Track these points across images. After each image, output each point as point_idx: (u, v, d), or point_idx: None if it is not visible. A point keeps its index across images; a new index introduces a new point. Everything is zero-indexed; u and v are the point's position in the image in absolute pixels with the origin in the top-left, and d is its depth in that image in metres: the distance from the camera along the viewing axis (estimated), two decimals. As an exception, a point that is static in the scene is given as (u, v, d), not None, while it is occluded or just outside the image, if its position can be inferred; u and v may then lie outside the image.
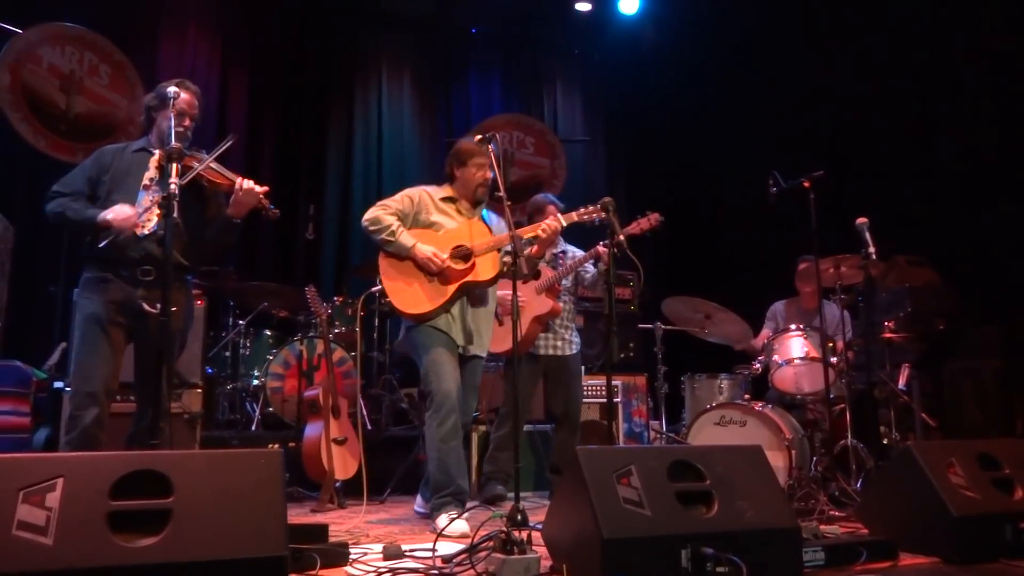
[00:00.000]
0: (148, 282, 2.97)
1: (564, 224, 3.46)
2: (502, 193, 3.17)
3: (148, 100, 3.23)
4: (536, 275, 4.22)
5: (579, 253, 4.40)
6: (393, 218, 3.44)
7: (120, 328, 3.01)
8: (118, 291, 3.00)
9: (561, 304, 4.25)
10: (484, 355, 3.57)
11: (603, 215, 3.36)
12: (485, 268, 3.42)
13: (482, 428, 4.84)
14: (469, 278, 3.40)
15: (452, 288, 3.38)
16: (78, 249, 3.22)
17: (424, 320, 3.38)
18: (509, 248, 3.43)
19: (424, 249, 3.37)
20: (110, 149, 3.22)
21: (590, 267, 4.27)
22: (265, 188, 3.14)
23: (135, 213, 2.96)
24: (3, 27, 5.60)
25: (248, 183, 3.08)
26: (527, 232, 3.46)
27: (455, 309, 3.42)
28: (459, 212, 3.57)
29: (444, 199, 3.57)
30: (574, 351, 4.37)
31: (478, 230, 3.48)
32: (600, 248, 4.08)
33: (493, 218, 3.65)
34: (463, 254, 3.42)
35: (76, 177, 3.12)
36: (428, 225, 3.49)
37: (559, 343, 4.31)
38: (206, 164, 3.04)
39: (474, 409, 3.72)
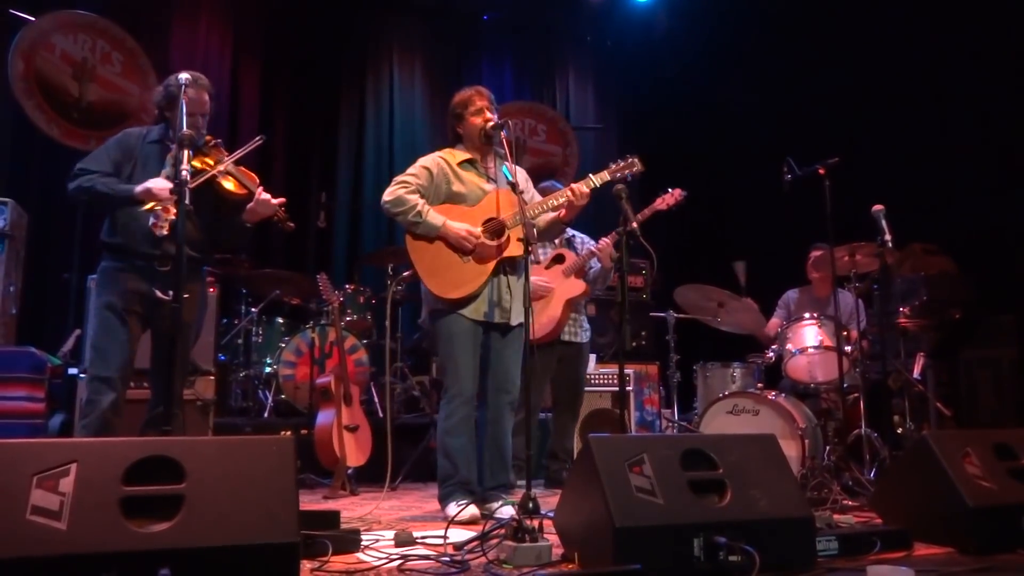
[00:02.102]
0: (164, 272, 2.99)
1: (597, 184, 3.21)
2: (515, 180, 3.13)
3: (157, 99, 3.20)
4: (560, 259, 4.22)
5: (586, 238, 4.44)
6: (416, 196, 3.20)
7: (136, 316, 3.03)
8: (135, 280, 3.02)
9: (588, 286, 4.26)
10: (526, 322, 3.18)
11: (636, 169, 3.22)
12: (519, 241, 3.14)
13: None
14: (507, 253, 3.19)
15: (490, 267, 3.17)
16: (92, 236, 3.23)
17: (461, 304, 3.17)
18: (556, 203, 3.28)
19: (456, 227, 3.14)
20: (133, 133, 3.21)
21: (594, 263, 4.29)
22: (282, 200, 3.13)
23: (169, 187, 2.92)
24: (16, 15, 5.62)
25: (265, 195, 3.08)
26: (556, 196, 3.23)
27: (489, 287, 3.20)
28: (479, 175, 3.33)
29: (462, 163, 3.33)
30: (587, 338, 4.43)
31: (506, 199, 3.21)
32: (599, 246, 4.14)
33: (516, 171, 3.32)
34: (496, 228, 3.19)
35: (101, 156, 3.11)
36: (451, 196, 3.26)
37: (577, 329, 4.35)
38: (225, 165, 3.03)
39: (519, 381, 3.26)
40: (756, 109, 7.20)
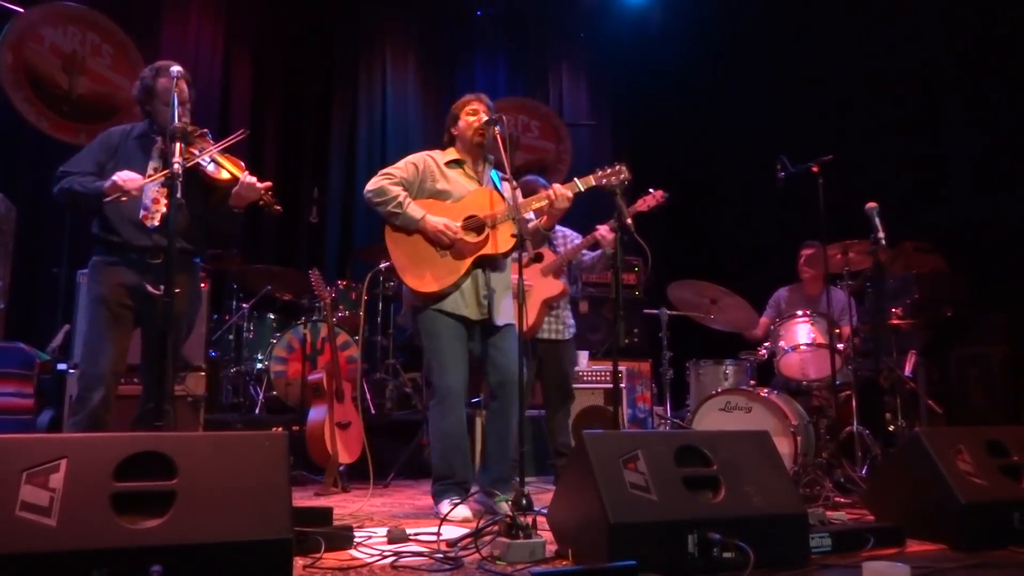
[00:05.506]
0: (156, 265, 2.96)
1: (582, 188, 3.21)
2: (508, 176, 3.13)
3: (136, 94, 3.17)
4: (539, 258, 4.18)
5: (572, 234, 4.38)
6: (399, 188, 3.23)
7: (128, 311, 3.01)
8: (127, 274, 2.99)
9: (566, 285, 4.22)
10: (511, 322, 3.24)
11: (623, 176, 3.18)
12: (502, 239, 3.18)
13: (485, 412, 4.83)
14: (485, 251, 3.19)
15: (466, 263, 3.18)
16: (82, 231, 3.20)
17: (436, 299, 3.18)
18: (529, 217, 3.31)
19: (435, 221, 3.16)
20: (116, 131, 3.19)
21: (587, 253, 4.21)
22: (268, 184, 3.10)
23: (141, 178, 2.92)
24: (5, 6, 5.55)
25: (251, 178, 3.05)
26: (538, 199, 3.23)
27: (467, 283, 3.20)
28: (467, 176, 3.35)
29: (450, 163, 3.36)
30: (571, 335, 4.33)
31: (490, 198, 3.23)
32: (600, 232, 3.98)
33: (508, 183, 3.32)
34: (476, 225, 3.20)
35: (84, 158, 3.09)
36: (435, 193, 3.27)
37: (559, 327, 4.27)
38: (209, 153, 3.01)
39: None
40: (749, 106, 7.21)
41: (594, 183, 3.23)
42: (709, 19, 7.51)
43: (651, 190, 3.92)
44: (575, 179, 3.23)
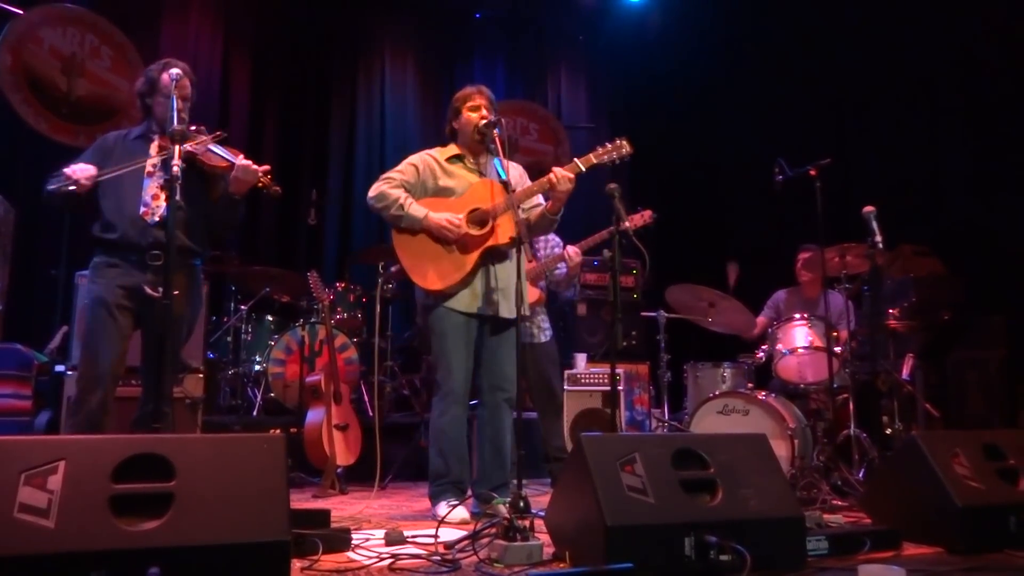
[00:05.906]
0: (156, 267, 2.96)
1: (583, 168, 3.16)
2: (507, 179, 3.13)
3: (139, 87, 3.19)
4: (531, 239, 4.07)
5: (555, 240, 4.35)
6: (399, 191, 3.23)
7: (128, 312, 3.01)
8: (127, 276, 2.99)
9: (543, 292, 4.21)
10: (515, 317, 3.08)
11: (624, 152, 3.14)
12: (505, 229, 3.16)
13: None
14: (490, 243, 3.17)
15: (473, 257, 3.16)
16: (80, 232, 3.20)
17: (447, 296, 3.17)
18: (537, 201, 3.31)
19: (437, 217, 3.15)
20: (111, 136, 3.20)
21: (562, 266, 4.17)
22: (266, 167, 3.12)
23: (93, 169, 2.94)
24: (4, 7, 5.56)
25: (246, 161, 3.06)
26: (537, 186, 3.21)
27: (478, 279, 3.19)
28: (468, 169, 3.33)
29: (450, 159, 3.34)
30: (548, 338, 4.27)
31: (492, 189, 3.20)
32: (567, 252, 4.01)
33: (509, 167, 3.24)
34: (480, 218, 3.17)
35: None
36: (439, 191, 3.27)
37: (535, 331, 4.23)
38: (204, 147, 3.02)
39: (515, 379, 3.09)
40: (748, 109, 7.22)
41: (595, 161, 3.18)
42: (708, 22, 7.52)
43: (639, 208, 3.93)
44: (575, 159, 3.19)
